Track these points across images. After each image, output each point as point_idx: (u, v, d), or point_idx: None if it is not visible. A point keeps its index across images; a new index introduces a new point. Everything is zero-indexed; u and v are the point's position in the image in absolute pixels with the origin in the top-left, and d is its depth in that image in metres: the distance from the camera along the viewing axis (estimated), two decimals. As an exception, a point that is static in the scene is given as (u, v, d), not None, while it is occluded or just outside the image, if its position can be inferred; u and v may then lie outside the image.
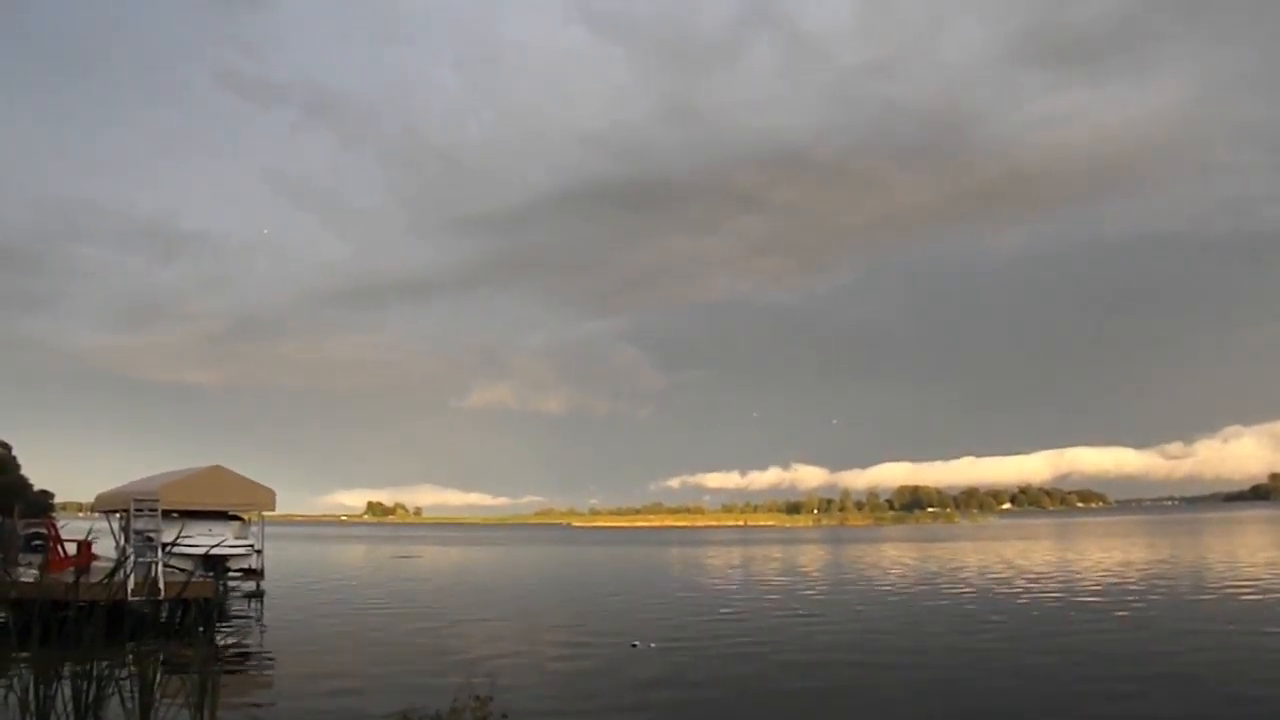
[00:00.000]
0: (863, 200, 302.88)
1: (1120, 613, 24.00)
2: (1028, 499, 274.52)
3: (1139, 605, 25.60)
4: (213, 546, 26.43)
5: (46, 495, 74.76)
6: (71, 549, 24.49)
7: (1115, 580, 33.87)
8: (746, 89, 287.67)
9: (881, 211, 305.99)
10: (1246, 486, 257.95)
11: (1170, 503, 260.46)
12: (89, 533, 22.21)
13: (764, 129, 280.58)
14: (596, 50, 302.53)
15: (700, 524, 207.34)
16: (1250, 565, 38.94)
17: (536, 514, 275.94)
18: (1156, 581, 32.85)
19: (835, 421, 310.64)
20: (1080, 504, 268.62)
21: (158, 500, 22.78)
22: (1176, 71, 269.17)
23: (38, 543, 25.62)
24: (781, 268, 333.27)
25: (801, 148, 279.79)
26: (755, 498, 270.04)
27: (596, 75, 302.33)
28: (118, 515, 26.23)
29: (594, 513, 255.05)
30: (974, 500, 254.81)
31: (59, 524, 29.00)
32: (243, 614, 25.26)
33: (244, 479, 28.66)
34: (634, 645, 19.45)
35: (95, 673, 9.08)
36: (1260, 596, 26.81)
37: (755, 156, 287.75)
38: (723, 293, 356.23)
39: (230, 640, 20.53)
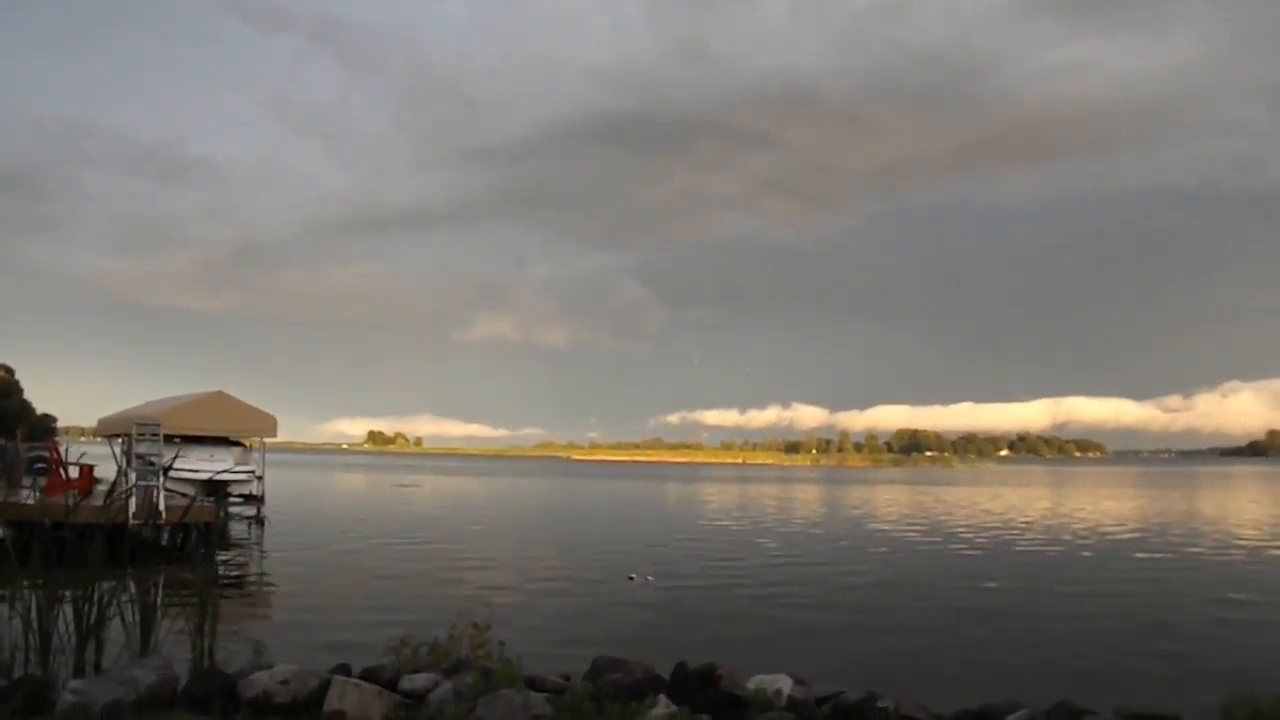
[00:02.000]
0: (872, 143, 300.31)
1: (1096, 560, 24.30)
2: (1026, 446, 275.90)
3: (1130, 554, 25.91)
4: (214, 472, 26.57)
5: (49, 419, 75.07)
6: (74, 472, 24.60)
7: (1108, 529, 34.18)
8: (757, 28, 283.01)
9: (890, 155, 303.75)
10: (1244, 442, 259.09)
11: (1167, 455, 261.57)
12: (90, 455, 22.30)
13: (774, 69, 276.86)
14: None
15: (699, 460, 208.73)
16: (1240, 522, 39.27)
17: (536, 446, 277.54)
18: (1150, 532, 33.17)
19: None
20: (1078, 453, 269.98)
21: (159, 425, 22.84)
22: (1191, 26, 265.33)
23: (40, 465, 25.73)
24: (789, 208, 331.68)
25: (811, 89, 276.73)
26: (754, 436, 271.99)
27: (606, 9, 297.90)
28: (120, 439, 26.33)
29: (594, 446, 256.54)
30: (973, 446, 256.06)
31: (61, 447, 29.13)
32: (243, 539, 25.48)
33: (246, 405, 28.71)
34: (630, 578, 19.62)
35: (97, 594, 9.16)
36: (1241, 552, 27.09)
37: (765, 96, 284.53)
38: (729, 231, 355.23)
39: (230, 565, 20.74)
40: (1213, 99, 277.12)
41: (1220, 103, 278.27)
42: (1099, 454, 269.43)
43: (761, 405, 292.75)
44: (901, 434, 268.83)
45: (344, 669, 8.30)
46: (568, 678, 8.44)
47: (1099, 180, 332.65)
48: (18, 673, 8.29)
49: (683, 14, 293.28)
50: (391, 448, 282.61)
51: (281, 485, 42.86)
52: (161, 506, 19.89)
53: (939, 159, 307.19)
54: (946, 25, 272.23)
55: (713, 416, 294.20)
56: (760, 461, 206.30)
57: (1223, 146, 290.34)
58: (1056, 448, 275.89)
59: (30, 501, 16.95)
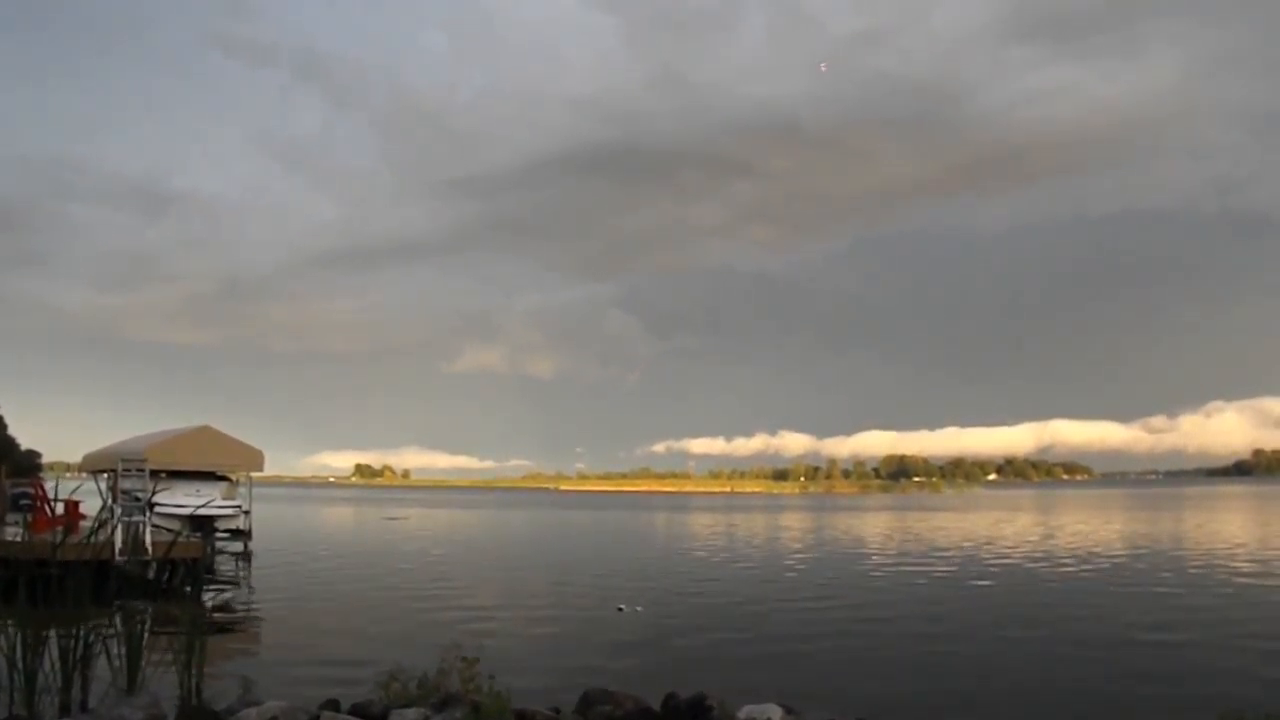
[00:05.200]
0: (853, 170, 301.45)
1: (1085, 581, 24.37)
2: (1014, 470, 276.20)
3: (1107, 574, 25.97)
4: (200, 507, 26.42)
5: (34, 455, 74.46)
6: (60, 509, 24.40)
7: (1100, 552, 34.26)
8: (737, 57, 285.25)
9: (872, 182, 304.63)
10: (1230, 462, 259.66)
11: (1154, 476, 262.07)
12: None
13: (755, 98, 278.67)
14: (587, 16, 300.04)
15: (687, 489, 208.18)
16: (1230, 544, 39.42)
17: (524, 477, 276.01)
18: (1141, 556, 33.26)
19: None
20: (1065, 476, 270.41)
21: (145, 460, 22.72)
22: (1167, 50, 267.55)
23: (25, 502, 25.54)
24: (772, 236, 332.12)
25: (792, 117, 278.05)
26: (740, 464, 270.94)
27: (587, 41, 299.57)
28: (105, 475, 26.18)
29: (581, 477, 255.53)
30: (960, 470, 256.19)
31: (46, 483, 28.91)
32: (230, 574, 25.31)
33: (232, 439, 28.61)
34: (620, 608, 19.56)
35: (82, 631, 9.10)
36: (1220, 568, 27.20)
37: (746, 125, 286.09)
38: (713, 260, 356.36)
39: (217, 601, 20.59)
40: (1191, 122, 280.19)
41: (1199, 126, 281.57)
42: (1086, 476, 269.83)
43: (748, 433, 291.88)
44: (889, 460, 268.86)
45: (333, 704, 8.27)
46: (558, 710, 8.43)
47: (1080, 203, 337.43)
48: (3, 713, 8.22)
49: (662, 45, 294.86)
50: (379, 480, 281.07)
51: (268, 519, 42.59)
52: (148, 542, 19.76)
53: (921, 185, 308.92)
54: (925, 52, 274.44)
55: (699, 445, 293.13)
56: (749, 490, 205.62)
57: (1202, 169, 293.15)
58: (1044, 471, 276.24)
59: (16, 539, 16.82)
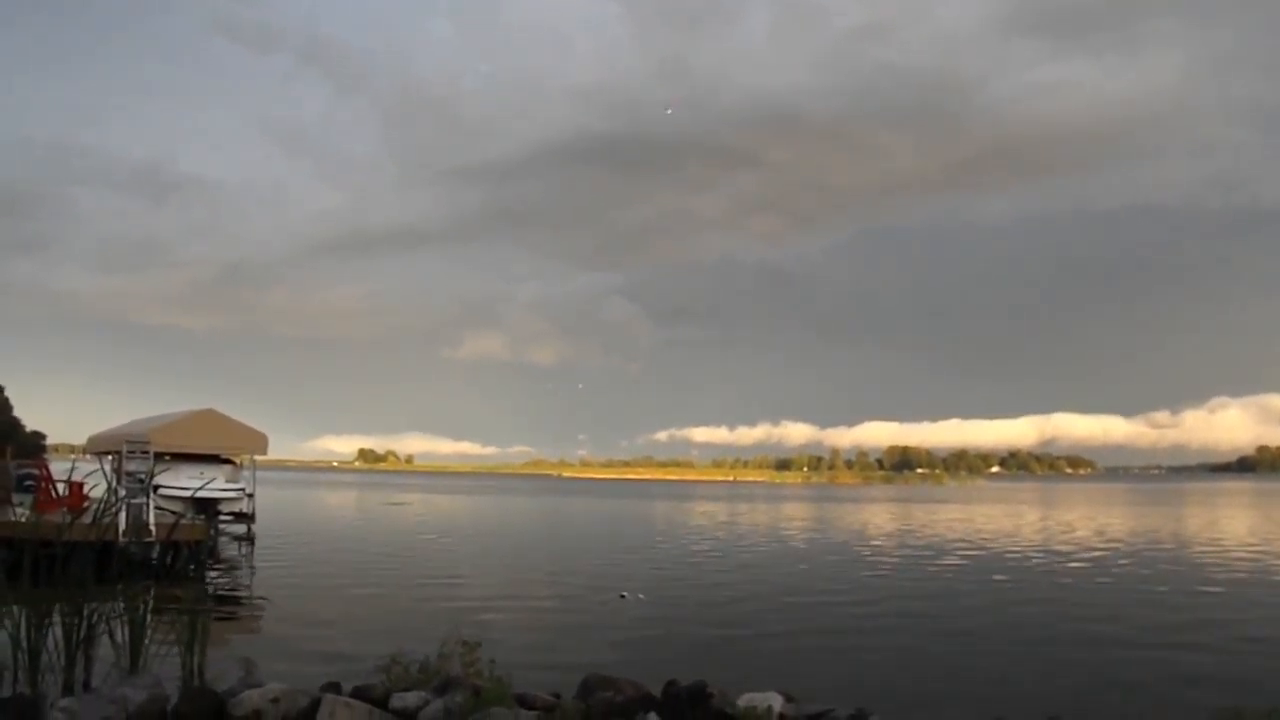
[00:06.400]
0: (856, 163, 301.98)
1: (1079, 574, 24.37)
2: (1016, 462, 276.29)
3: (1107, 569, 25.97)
4: (203, 489, 26.48)
5: (39, 436, 74.79)
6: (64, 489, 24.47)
7: (1103, 547, 34.26)
8: (741, 49, 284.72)
9: (875, 174, 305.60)
10: (1233, 458, 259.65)
11: (1156, 471, 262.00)
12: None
13: (759, 89, 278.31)
14: (592, 6, 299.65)
15: (690, 478, 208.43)
16: (1233, 540, 39.39)
17: (526, 464, 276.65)
18: (1144, 551, 33.26)
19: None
20: (1069, 469, 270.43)
21: (149, 442, 22.77)
22: (1171, 46, 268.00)
23: (29, 483, 25.63)
24: (775, 227, 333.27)
25: (796, 109, 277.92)
26: (743, 453, 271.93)
27: (592, 31, 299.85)
28: (110, 457, 26.23)
29: (584, 464, 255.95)
30: (963, 462, 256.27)
31: (51, 464, 29.01)
32: (233, 557, 25.39)
33: (236, 422, 28.64)
34: (622, 596, 19.60)
35: (86, 612, 9.14)
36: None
37: (750, 116, 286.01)
38: (716, 250, 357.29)
39: (220, 583, 20.66)
40: (1194, 118, 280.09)
41: (1202, 122, 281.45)
42: (1089, 470, 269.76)
43: (751, 422, 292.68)
44: (892, 451, 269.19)
45: (334, 687, 8.29)
46: (558, 695, 8.44)
47: (1083, 198, 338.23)
48: (6, 691, 8.27)
49: (667, 35, 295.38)
50: (382, 465, 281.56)
51: (271, 503, 42.69)
52: (151, 524, 19.83)
53: (924, 178, 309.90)
54: (929, 46, 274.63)
55: (701, 434, 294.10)
56: (751, 479, 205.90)
57: (1205, 165, 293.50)
58: (1047, 464, 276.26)
59: (21, 519, 16.89)
